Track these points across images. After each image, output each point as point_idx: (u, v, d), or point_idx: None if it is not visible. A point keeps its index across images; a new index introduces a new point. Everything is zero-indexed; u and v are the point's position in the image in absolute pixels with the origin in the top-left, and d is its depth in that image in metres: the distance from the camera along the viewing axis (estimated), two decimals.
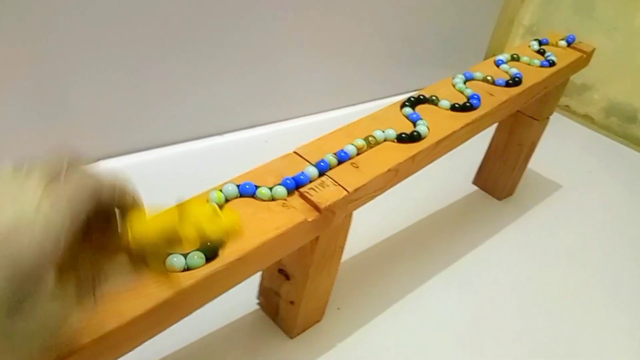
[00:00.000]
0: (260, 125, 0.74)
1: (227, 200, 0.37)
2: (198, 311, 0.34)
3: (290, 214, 0.37)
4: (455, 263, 0.58)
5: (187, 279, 0.31)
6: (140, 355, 0.31)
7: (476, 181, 0.71)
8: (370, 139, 0.43)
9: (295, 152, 0.42)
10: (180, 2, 0.59)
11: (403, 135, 0.44)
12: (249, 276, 0.37)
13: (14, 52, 0.52)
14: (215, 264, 0.33)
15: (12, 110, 0.54)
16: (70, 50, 0.55)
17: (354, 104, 0.83)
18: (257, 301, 0.48)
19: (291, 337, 0.46)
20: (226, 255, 0.33)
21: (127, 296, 0.29)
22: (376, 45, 0.82)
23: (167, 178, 0.60)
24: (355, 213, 0.42)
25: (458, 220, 0.65)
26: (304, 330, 0.47)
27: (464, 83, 0.54)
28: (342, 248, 0.44)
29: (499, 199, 0.69)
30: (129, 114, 0.63)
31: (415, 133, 0.45)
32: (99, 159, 0.61)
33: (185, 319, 0.33)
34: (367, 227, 0.53)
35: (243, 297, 0.48)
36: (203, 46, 0.64)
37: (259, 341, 0.46)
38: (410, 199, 0.64)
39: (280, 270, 0.44)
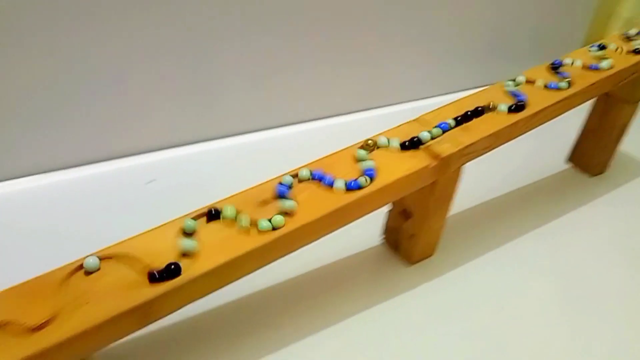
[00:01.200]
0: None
1: (377, 147, 0.51)
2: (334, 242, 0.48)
3: (417, 161, 0.50)
4: (547, 225, 0.68)
5: (343, 200, 0.46)
6: (284, 267, 0.45)
7: (571, 158, 0.80)
8: (482, 108, 0.56)
9: (416, 120, 0.55)
10: None
11: (512, 107, 0.56)
12: (384, 205, 0.51)
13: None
14: (359, 193, 0.47)
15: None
16: None
17: (451, 92, 0.94)
18: (381, 237, 0.63)
19: (410, 264, 0.60)
20: (371, 186, 0.47)
21: None
22: (473, 36, 0.92)
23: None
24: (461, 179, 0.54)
25: (552, 190, 0.75)
26: (419, 261, 0.60)
27: (557, 68, 0.64)
28: (453, 194, 0.56)
29: (591, 175, 0.77)
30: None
31: (520, 104, 0.56)
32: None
33: (323, 244, 0.47)
34: (470, 191, 0.64)
35: (370, 234, 0.63)
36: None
37: (382, 266, 0.60)
38: (508, 168, 0.76)
39: (403, 211, 0.58)
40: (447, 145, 0.52)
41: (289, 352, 0.49)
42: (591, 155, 0.77)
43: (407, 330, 0.53)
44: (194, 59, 0.69)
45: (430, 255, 0.61)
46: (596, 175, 0.78)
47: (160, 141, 0.71)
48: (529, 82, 0.62)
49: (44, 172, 0.66)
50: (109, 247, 0.42)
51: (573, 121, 0.74)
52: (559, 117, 0.62)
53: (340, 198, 0.47)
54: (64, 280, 0.39)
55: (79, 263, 0.40)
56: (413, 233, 0.58)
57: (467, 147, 0.52)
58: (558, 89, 0.60)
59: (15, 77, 0.60)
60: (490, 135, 0.53)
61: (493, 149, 0.55)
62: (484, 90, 0.60)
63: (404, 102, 0.92)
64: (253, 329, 0.51)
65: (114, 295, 0.38)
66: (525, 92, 0.59)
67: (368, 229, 0.62)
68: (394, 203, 0.58)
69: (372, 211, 0.49)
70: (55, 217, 0.62)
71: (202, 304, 0.49)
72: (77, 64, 0.62)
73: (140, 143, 0.70)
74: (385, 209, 0.60)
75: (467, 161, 0.54)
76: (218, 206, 0.44)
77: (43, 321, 0.36)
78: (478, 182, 0.65)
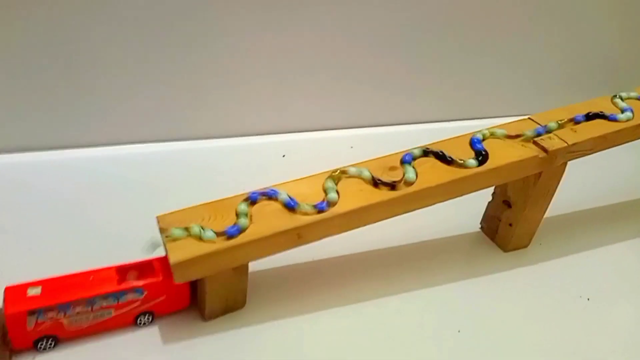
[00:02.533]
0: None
1: (491, 135, 0.59)
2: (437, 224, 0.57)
3: (528, 151, 0.58)
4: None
5: (458, 174, 0.54)
6: (395, 234, 0.54)
7: None
8: (589, 114, 0.62)
9: (530, 118, 0.62)
10: None
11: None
12: (492, 184, 0.59)
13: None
14: (472, 170, 0.54)
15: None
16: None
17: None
18: (480, 225, 0.69)
19: (505, 251, 0.66)
20: (484, 166, 0.55)
21: None
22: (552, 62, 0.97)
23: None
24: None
25: None
26: (514, 249, 0.66)
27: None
28: (554, 189, 0.62)
29: None
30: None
31: (628, 114, 0.63)
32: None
33: (428, 224, 0.55)
34: (572, 195, 0.69)
35: (468, 221, 0.70)
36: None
37: (478, 250, 0.67)
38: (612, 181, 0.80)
39: (504, 201, 0.64)
40: (556, 141, 0.58)
41: (386, 301, 0.57)
42: None
43: (488, 307, 0.59)
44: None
45: (525, 246, 0.67)
46: None
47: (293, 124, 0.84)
48: (637, 98, 0.67)
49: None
50: (270, 186, 0.53)
51: None
52: None
53: (454, 172, 0.55)
54: (235, 205, 0.50)
55: (245, 196, 0.51)
56: (511, 222, 0.64)
57: (574, 144, 0.58)
58: None
59: None
60: (597, 137, 0.60)
61: (599, 150, 0.61)
62: (592, 100, 0.66)
63: (479, 118, 0.97)
64: (368, 277, 0.60)
65: (276, 218, 0.49)
66: (632, 106, 0.65)
67: (467, 217, 0.70)
68: (496, 192, 0.65)
69: (480, 189, 0.57)
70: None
71: (336, 250, 0.61)
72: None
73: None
74: (487, 198, 0.67)
75: (572, 158, 0.60)
76: (354, 168, 0.54)
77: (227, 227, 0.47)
78: (578, 190, 0.71)
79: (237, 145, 0.81)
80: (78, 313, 0.46)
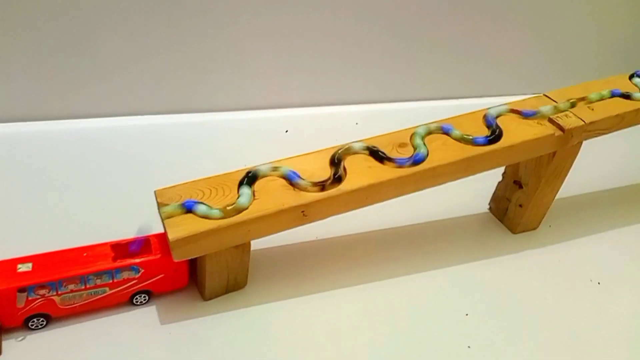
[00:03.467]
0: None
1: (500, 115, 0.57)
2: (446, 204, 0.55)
3: (544, 129, 0.55)
4: None
5: (474, 151, 0.52)
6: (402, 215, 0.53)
7: None
8: (606, 92, 0.59)
9: (545, 95, 0.60)
10: None
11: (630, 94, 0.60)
12: (507, 163, 0.56)
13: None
14: (487, 148, 0.52)
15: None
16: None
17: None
18: (488, 206, 0.67)
19: (514, 233, 0.64)
20: (498, 144, 0.53)
21: None
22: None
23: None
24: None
25: None
26: (523, 231, 0.64)
27: None
28: (567, 169, 0.60)
29: None
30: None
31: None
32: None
33: (436, 204, 0.54)
34: (582, 180, 0.67)
35: (475, 202, 0.67)
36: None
37: (487, 231, 0.65)
38: (616, 167, 0.78)
39: (515, 182, 0.62)
40: (572, 119, 0.56)
41: (392, 283, 0.55)
42: None
43: (498, 287, 0.57)
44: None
45: (534, 228, 0.65)
46: None
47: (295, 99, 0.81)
48: None
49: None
50: (269, 162, 0.50)
51: None
52: None
53: (467, 150, 0.52)
54: (237, 180, 0.48)
55: (248, 169, 0.49)
56: (522, 203, 0.62)
57: (591, 123, 0.56)
58: None
59: None
60: (615, 116, 0.57)
61: (616, 130, 0.59)
62: (609, 78, 0.64)
63: (492, 95, 0.94)
64: (373, 257, 0.58)
65: (280, 194, 0.47)
66: None
67: (475, 197, 0.67)
68: (507, 172, 0.63)
69: (494, 167, 0.55)
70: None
71: (341, 229, 0.59)
72: None
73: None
74: (496, 178, 0.65)
75: (588, 137, 0.57)
76: (363, 144, 0.52)
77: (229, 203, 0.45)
78: (590, 172, 0.69)
79: (239, 120, 0.78)
80: (71, 291, 0.44)
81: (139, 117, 0.75)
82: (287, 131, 0.76)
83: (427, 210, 0.65)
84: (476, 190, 0.66)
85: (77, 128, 0.72)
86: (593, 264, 0.62)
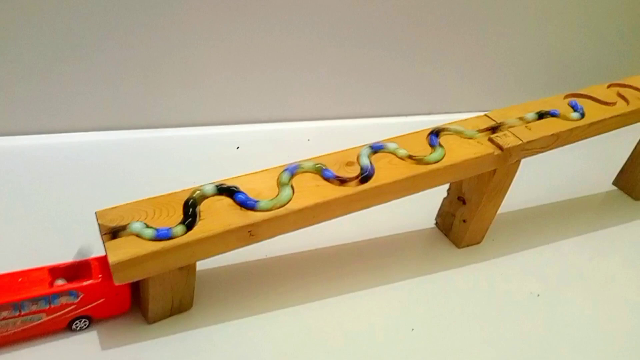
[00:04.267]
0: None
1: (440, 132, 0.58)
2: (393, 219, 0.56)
3: (484, 148, 0.57)
4: (586, 234, 0.73)
5: (415, 170, 0.53)
6: (350, 232, 0.54)
7: (616, 182, 0.84)
8: (542, 112, 0.62)
9: (486, 115, 0.62)
10: None
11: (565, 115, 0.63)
12: (449, 181, 0.58)
13: None
14: (430, 167, 0.54)
15: None
16: None
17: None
18: (434, 221, 0.69)
19: (458, 247, 0.66)
20: (441, 163, 0.54)
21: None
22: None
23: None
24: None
25: (595, 207, 0.80)
26: (468, 245, 0.66)
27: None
28: (507, 186, 0.62)
29: (636, 199, 0.82)
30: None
31: (580, 113, 0.63)
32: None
33: (383, 220, 0.55)
34: (521, 194, 0.68)
35: (423, 218, 0.69)
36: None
37: (432, 246, 0.66)
38: (560, 180, 0.82)
39: (459, 198, 0.64)
40: (511, 138, 0.58)
41: (339, 300, 0.56)
42: (636, 180, 0.82)
43: (443, 302, 0.58)
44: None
45: (478, 243, 0.67)
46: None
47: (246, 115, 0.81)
48: (588, 97, 0.68)
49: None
50: (221, 180, 0.49)
51: (626, 145, 0.80)
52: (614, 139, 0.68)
53: (412, 168, 0.54)
54: (182, 200, 0.47)
55: (197, 189, 0.48)
56: (465, 218, 0.64)
57: (528, 142, 0.58)
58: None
59: None
60: (551, 135, 0.60)
61: (552, 148, 0.62)
62: (545, 99, 0.67)
63: (437, 113, 0.98)
64: (322, 275, 0.58)
65: (226, 214, 0.46)
66: (583, 105, 0.66)
67: (423, 213, 0.69)
68: (452, 189, 0.65)
69: (437, 185, 0.56)
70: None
71: (289, 247, 0.59)
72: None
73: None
74: (442, 195, 0.66)
75: (526, 155, 0.60)
76: (307, 163, 0.52)
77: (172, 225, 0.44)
78: (529, 188, 0.72)
79: (188, 136, 0.77)
80: (4, 318, 0.42)
81: (83, 133, 0.73)
82: (238, 148, 0.75)
83: (375, 226, 0.66)
84: (424, 206, 0.68)
85: (15, 145, 0.69)
86: (533, 276, 0.64)
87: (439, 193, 0.66)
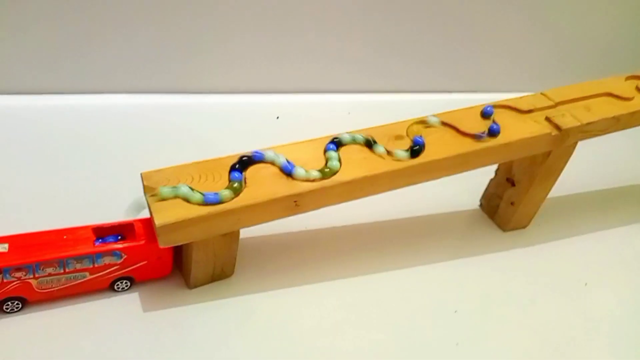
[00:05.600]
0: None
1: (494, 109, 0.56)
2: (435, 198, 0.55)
3: (541, 127, 0.54)
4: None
5: (468, 147, 0.51)
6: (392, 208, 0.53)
7: None
8: (602, 93, 0.59)
9: (542, 94, 0.59)
10: None
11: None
12: (502, 160, 0.56)
13: None
14: (483, 144, 0.51)
15: None
16: None
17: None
18: (479, 203, 0.67)
19: (504, 231, 0.63)
20: (495, 140, 0.52)
21: None
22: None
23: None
24: None
25: None
26: (513, 229, 0.64)
27: None
28: (560, 169, 0.59)
29: None
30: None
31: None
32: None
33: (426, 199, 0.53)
34: (573, 180, 0.66)
35: (466, 198, 0.67)
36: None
37: (477, 228, 0.64)
38: (605, 169, 0.78)
39: (508, 179, 0.62)
40: (569, 119, 0.55)
41: (380, 277, 0.54)
42: None
43: (487, 285, 0.56)
44: None
45: (524, 227, 0.65)
46: None
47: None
48: None
49: None
50: (267, 148, 0.48)
51: None
52: None
53: (465, 145, 0.51)
54: (227, 165, 0.46)
55: (243, 155, 0.47)
56: (513, 201, 0.62)
57: (588, 124, 0.55)
58: None
59: None
60: (612, 117, 0.57)
61: (611, 132, 0.58)
62: (604, 80, 0.63)
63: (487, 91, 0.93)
64: (362, 251, 0.57)
65: (272, 183, 0.45)
66: None
67: (466, 194, 0.67)
68: (500, 169, 0.62)
69: (490, 164, 0.54)
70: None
71: (329, 220, 0.58)
72: None
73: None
74: (489, 175, 0.64)
75: (583, 138, 0.57)
76: (356, 135, 0.50)
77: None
78: (579, 172, 0.68)
79: (228, 103, 0.76)
80: (49, 274, 0.42)
81: (127, 95, 0.72)
82: (277, 117, 0.74)
83: (418, 204, 0.64)
84: (468, 186, 0.65)
85: (61, 104, 0.69)
86: (581, 264, 0.62)
87: (485, 173, 0.63)
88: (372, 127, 0.52)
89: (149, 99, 0.72)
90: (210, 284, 0.49)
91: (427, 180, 0.51)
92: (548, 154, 0.57)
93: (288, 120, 0.74)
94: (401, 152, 0.49)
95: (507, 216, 0.63)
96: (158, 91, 0.73)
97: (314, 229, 0.58)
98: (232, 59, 0.75)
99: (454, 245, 0.61)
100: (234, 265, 0.49)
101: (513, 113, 0.56)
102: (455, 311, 0.52)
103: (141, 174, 0.44)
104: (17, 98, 0.67)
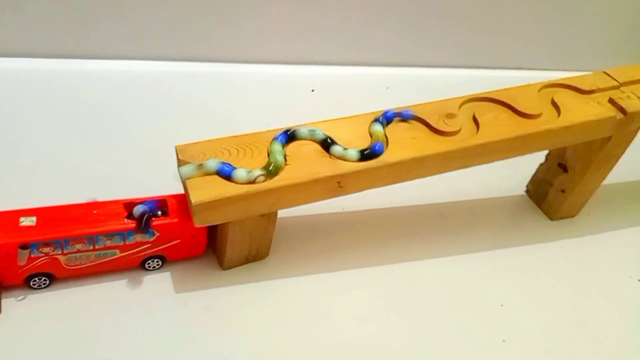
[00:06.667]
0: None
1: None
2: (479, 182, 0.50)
3: (604, 110, 0.50)
4: None
5: (529, 128, 0.47)
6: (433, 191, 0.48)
7: None
8: None
9: (605, 72, 0.54)
10: None
11: None
12: (561, 143, 0.51)
13: None
14: (543, 126, 0.47)
15: None
16: None
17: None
18: (525, 189, 0.63)
19: (551, 219, 0.59)
20: (556, 122, 0.48)
21: None
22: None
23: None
24: None
25: None
26: (561, 218, 0.60)
27: None
28: (617, 158, 0.55)
29: None
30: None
31: None
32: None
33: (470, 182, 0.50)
34: (626, 169, 0.60)
35: (511, 183, 0.63)
36: None
37: (523, 216, 0.60)
38: None
39: (560, 165, 0.58)
40: (636, 101, 0.51)
41: (421, 264, 0.51)
42: None
43: (535, 278, 0.53)
44: None
45: (572, 216, 0.61)
46: None
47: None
48: None
49: None
50: (305, 124, 0.45)
51: None
52: None
53: (522, 126, 0.47)
54: (267, 141, 0.43)
55: (286, 129, 0.44)
56: (565, 188, 0.58)
57: None
58: None
59: None
60: None
61: None
62: None
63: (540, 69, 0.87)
64: (401, 236, 0.54)
65: (315, 162, 0.42)
66: None
67: (511, 179, 0.62)
68: (552, 154, 0.58)
69: (549, 147, 0.50)
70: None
71: (367, 202, 0.54)
72: None
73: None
74: (534, 160, 0.60)
75: None
76: (405, 111, 0.47)
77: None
78: (634, 160, 0.64)
79: (261, 73, 0.72)
80: (78, 251, 0.39)
81: (161, 62, 0.69)
82: (313, 90, 0.70)
83: (459, 187, 0.61)
84: (514, 170, 0.61)
85: (95, 69, 0.66)
86: (633, 258, 0.58)
87: (532, 156, 0.58)
88: (420, 104, 0.48)
89: (182, 67, 0.69)
90: (243, 266, 0.46)
91: (480, 163, 0.47)
92: (608, 139, 0.52)
93: (323, 94, 0.71)
94: (353, 152, 0.42)
95: (556, 204, 0.59)
96: (191, 59, 0.70)
97: (350, 211, 0.55)
98: (267, 27, 0.71)
99: (498, 233, 0.58)
100: (269, 247, 0.47)
101: (574, 93, 0.52)
102: (502, 305, 0.49)
103: (176, 146, 0.41)
104: (52, 62, 0.65)
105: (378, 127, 0.45)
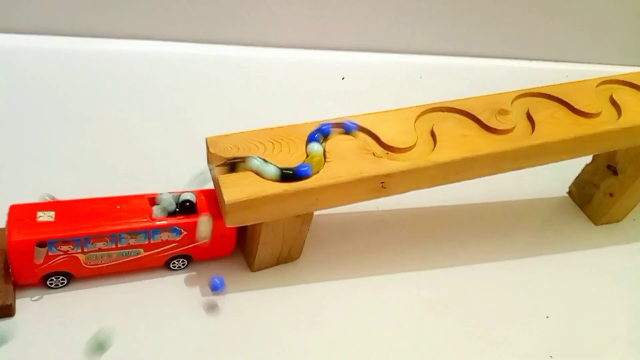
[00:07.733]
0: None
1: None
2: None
3: None
4: None
5: (589, 128, 0.43)
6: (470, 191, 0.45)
7: None
8: None
9: None
10: None
11: None
12: (621, 146, 0.47)
13: None
14: (602, 126, 0.43)
15: None
16: None
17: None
18: (567, 190, 0.59)
19: (596, 224, 0.56)
20: (617, 123, 0.44)
21: None
22: None
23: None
24: None
25: None
26: (607, 223, 0.56)
27: None
28: None
29: None
30: None
31: None
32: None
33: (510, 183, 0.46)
34: None
35: (552, 184, 0.59)
36: None
37: (565, 219, 0.56)
38: None
39: (609, 167, 0.54)
40: None
41: (459, 270, 0.48)
42: None
43: (581, 286, 0.49)
44: None
45: (618, 221, 0.57)
46: None
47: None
48: None
49: None
50: (344, 117, 0.41)
51: None
52: None
53: (581, 126, 0.44)
54: (304, 135, 0.40)
55: (322, 122, 0.41)
56: (613, 192, 0.54)
57: None
58: None
59: None
60: None
61: None
62: None
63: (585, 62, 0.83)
64: (438, 239, 0.50)
65: (357, 159, 0.38)
66: None
67: (552, 179, 0.58)
68: (600, 155, 0.54)
69: (609, 149, 0.46)
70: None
71: (402, 201, 0.48)
72: None
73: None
74: (577, 161, 0.56)
75: None
76: (453, 106, 0.43)
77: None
78: None
79: (290, 58, 0.68)
80: (99, 249, 0.36)
81: (190, 44, 0.65)
82: (343, 78, 0.66)
83: (498, 187, 0.56)
84: (556, 170, 0.57)
85: (121, 49, 0.62)
86: None
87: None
88: (469, 98, 0.45)
89: (208, 50, 0.65)
90: (274, 268, 0.43)
91: (535, 165, 0.43)
92: None
93: (354, 82, 0.67)
94: (272, 168, 0.36)
95: (602, 208, 0.55)
96: (217, 42, 0.66)
97: (385, 209, 0.52)
98: (297, 11, 0.66)
99: (540, 237, 0.54)
100: (302, 248, 0.43)
101: (633, 91, 0.48)
102: (547, 317, 0.46)
103: (206, 138, 0.38)
104: (75, 40, 0.61)
105: (315, 146, 0.39)
